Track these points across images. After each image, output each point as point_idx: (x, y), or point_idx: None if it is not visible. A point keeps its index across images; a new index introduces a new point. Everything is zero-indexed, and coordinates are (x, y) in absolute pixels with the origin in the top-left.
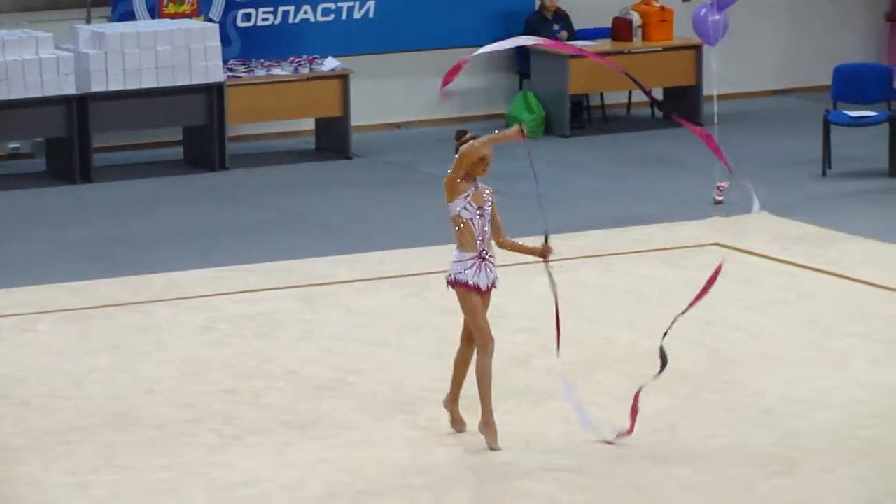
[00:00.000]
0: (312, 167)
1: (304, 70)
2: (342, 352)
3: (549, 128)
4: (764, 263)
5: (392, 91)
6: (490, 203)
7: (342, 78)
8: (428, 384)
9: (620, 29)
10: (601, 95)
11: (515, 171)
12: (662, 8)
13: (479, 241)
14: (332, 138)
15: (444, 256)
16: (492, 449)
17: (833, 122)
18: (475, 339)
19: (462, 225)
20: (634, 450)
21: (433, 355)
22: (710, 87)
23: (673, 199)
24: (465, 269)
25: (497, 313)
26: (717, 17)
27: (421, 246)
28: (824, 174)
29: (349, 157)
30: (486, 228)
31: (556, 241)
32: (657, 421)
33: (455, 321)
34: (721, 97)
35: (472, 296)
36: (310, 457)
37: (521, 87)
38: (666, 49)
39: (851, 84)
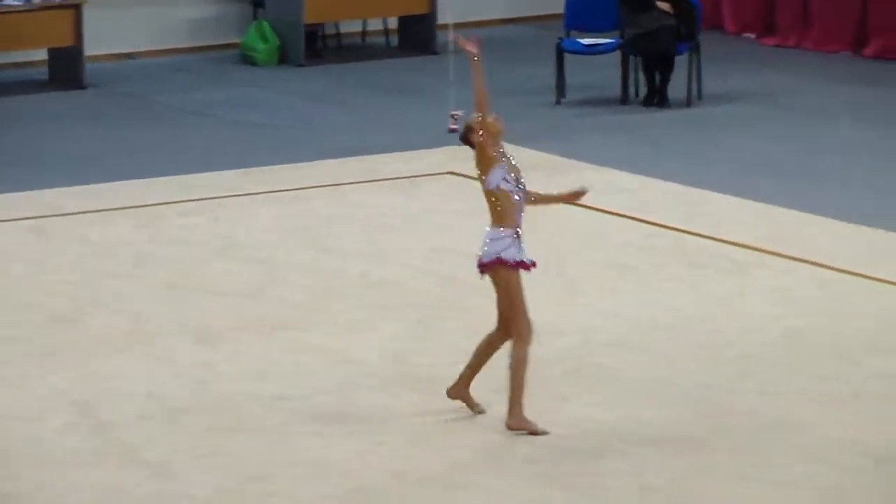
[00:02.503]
0: (46, 98)
1: None
2: (77, 283)
3: (283, 57)
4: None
5: (125, 20)
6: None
7: (75, 7)
8: (164, 314)
9: None
10: (336, 24)
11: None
12: None
13: (518, 216)
14: (66, 69)
15: (178, 187)
16: (543, 433)
17: (566, 50)
18: (514, 326)
19: (502, 198)
20: (364, 378)
21: (166, 286)
22: (445, 16)
23: (408, 129)
24: (507, 247)
25: (227, 243)
26: None
27: (154, 177)
28: (558, 102)
29: (83, 88)
30: (523, 203)
31: (289, 170)
32: (387, 349)
33: (187, 252)
34: (457, 26)
35: (515, 275)
36: (48, 388)
37: (255, 17)
38: None
39: (583, 12)
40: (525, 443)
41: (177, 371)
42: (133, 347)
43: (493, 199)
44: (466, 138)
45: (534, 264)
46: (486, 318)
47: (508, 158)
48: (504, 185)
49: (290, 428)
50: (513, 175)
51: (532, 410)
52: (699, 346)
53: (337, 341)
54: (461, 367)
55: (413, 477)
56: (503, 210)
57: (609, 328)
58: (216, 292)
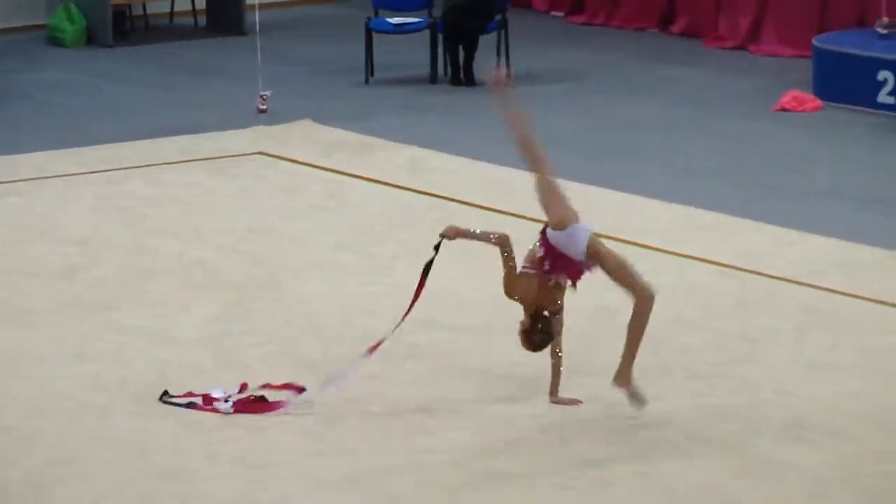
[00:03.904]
0: None
1: None
2: None
3: (91, 38)
4: (308, 171)
5: None
6: None
7: None
8: None
9: None
10: (144, 5)
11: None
12: None
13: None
14: None
15: None
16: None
17: (375, 29)
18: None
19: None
20: (182, 358)
21: None
22: None
23: (218, 109)
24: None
25: (42, 224)
26: None
27: None
28: (367, 82)
29: None
30: None
31: (101, 150)
32: (204, 328)
33: (1, 233)
34: (263, 6)
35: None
36: None
37: None
38: None
39: None
40: (339, 422)
41: None
42: None
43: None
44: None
45: None
46: (300, 299)
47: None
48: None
49: (109, 408)
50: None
51: (348, 388)
52: (514, 324)
53: (154, 321)
54: (273, 347)
55: (226, 457)
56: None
57: (420, 306)
58: (32, 273)
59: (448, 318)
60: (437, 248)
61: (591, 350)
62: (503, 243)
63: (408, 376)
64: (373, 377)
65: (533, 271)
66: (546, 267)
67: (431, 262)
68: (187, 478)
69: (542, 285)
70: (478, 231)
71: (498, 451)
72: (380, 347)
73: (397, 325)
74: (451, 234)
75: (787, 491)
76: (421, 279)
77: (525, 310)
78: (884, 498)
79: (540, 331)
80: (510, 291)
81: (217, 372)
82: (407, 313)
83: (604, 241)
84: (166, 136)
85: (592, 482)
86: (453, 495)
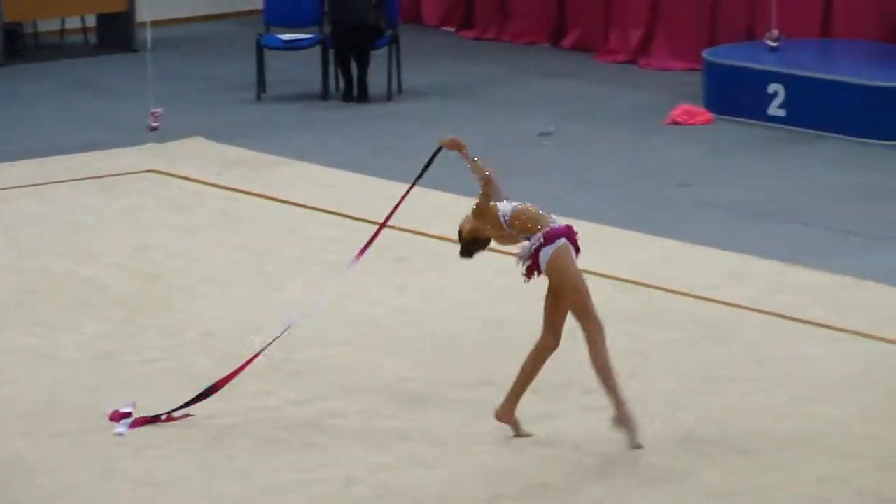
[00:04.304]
0: None
1: None
2: None
3: None
4: (200, 188)
5: None
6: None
7: None
8: None
9: None
10: (34, 23)
11: None
12: None
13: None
14: None
15: None
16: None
17: (266, 45)
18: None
19: (522, 216)
20: (71, 377)
21: None
22: (144, 13)
23: (109, 127)
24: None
25: None
26: None
27: None
28: (259, 98)
29: None
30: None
31: None
32: (92, 349)
33: None
34: (155, 24)
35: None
36: None
37: None
38: None
39: (284, 8)
40: (230, 440)
41: None
42: None
43: (518, 223)
44: (468, 245)
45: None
46: (192, 316)
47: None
48: (514, 206)
49: None
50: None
51: (237, 405)
52: (403, 339)
53: (43, 341)
54: (166, 365)
55: (118, 477)
56: (530, 220)
57: (310, 323)
58: None
59: (336, 334)
60: (434, 155)
61: (486, 361)
62: (488, 181)
63: (297, 393)
64: (264, 394)
65: (510, 232)
66: (527, 265)
67: (426, 167)
68: (77, 499)
69: (501, 237)
70: (475, 158)
71: (390, 467)
72: (365, 252)
73: (377, 232)
74: (449, 144)
75: (685, 503)
76: (410, 186)
77: (474, 230)
78: None
79: (473, 243)
80: (479, 215)
81: (109, 390)
82: (385, 223)
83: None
84: (56, 155)
85: (484, 497)
86: None
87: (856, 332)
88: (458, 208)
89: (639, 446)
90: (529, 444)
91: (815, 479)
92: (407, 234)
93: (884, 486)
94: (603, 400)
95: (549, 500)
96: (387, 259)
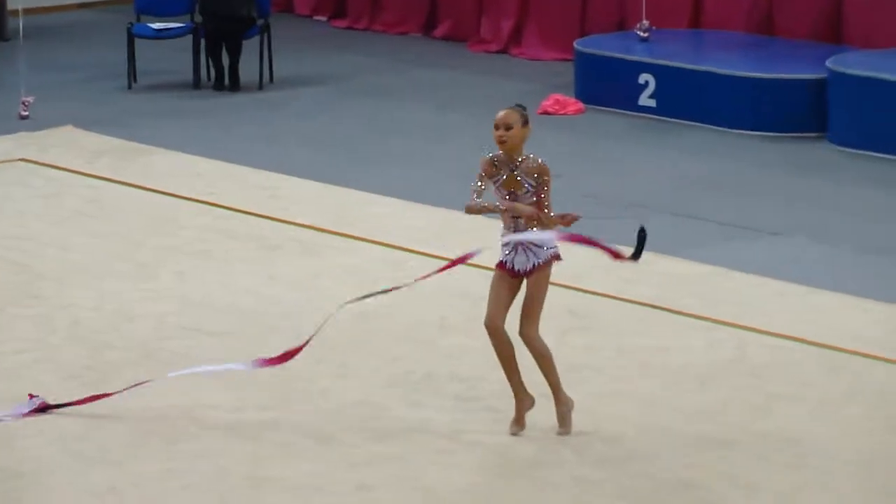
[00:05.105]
0: None
1: None
2: None
3: None
4: (70, 178)
5: None
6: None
7: None
8: None
9: None
10: None
11: None
12: None
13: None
14: None
15: None
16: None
17: (137, 34)
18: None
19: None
20: None
21: None
22: (15, 2)
23: None
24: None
25: None
26: None
27: None
28: (130, 87)
29: None
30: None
31: None
32: None
33: None
34: (27, 11)
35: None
36: None
37: None
38: None
39: None
40: (100, 429)
41: None
42: None
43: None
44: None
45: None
46: (63, 305)
47: (509, 170)
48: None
49: None
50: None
51: (109, 400)
52: (272, 328)
53: None
54: (37, 355)
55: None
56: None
57: (182, 312)
58: None
59: (209, 324)
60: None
61: (355, 352)
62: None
63: (170, 383)
64: (136, 383)
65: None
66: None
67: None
68: None
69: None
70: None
71: (264, 458)
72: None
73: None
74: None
75: (551, 492)
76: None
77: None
78: (650, 498)
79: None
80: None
81: None
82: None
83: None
84: None
85: (352, 486)
86: (221, 502)
87: (722, 322)
88: (313, 196)
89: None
90: (402, 431)
91: (683, 465)
92: (275, 222)
93: (750, 469)
94: (469, 389)
95: (415, 484)
96: (255, 248)
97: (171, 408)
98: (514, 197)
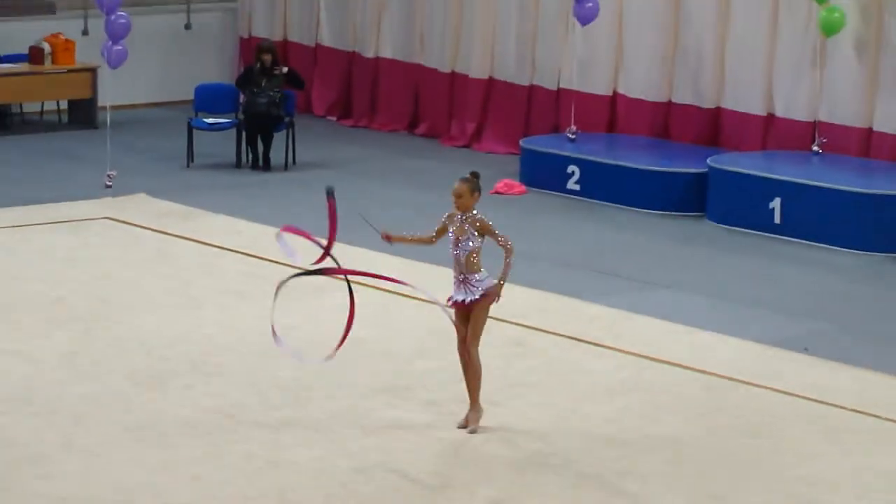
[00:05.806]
0: None
1: None
2: None
3: None
4: (141, 232)
5: None
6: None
7: None
8: None
9: (35, 55)
10: (20, 105)
11: None
12: (66, 40)
13: (454, 266)
14: None
15: None
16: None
17: (195, 126)
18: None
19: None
20: (44, 375)
21: None
22: (105, 99)
23: (74, 185)
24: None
25: None
26: (119, 47)
27: None
28: (188, 166)
29: None
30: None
31: None
32: (57, 351)
33: None
34: (113, 108)
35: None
36: None
37: None
38: (70, 70)
39: (208, 98)
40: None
41: None
42: None
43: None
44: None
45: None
46: (130, 327)
47: (460, 222)
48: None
49: None
50: (455, 236)
51: (164, 399)
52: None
53: (19, 346)
54: (113, 363)
55: None
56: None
57: (222, 335)
58: None
59: (241, 345)
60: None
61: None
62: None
63: (211, 387)
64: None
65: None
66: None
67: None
68: None
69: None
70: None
71: (281, 446)
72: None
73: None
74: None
75: (494, 473)
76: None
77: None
78: (568, 484)
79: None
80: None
81: (72, 383)
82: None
83: None
84: (33, 205)
85: (348, 468)
86: (248, 479)
87: (624, 351)
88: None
89: (473, 431)
90: (359, 428)
91: (594, 459)
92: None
93: (641, 462)
94: (439, 399)
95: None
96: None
97: (211, 406)
98: (461, 240)
